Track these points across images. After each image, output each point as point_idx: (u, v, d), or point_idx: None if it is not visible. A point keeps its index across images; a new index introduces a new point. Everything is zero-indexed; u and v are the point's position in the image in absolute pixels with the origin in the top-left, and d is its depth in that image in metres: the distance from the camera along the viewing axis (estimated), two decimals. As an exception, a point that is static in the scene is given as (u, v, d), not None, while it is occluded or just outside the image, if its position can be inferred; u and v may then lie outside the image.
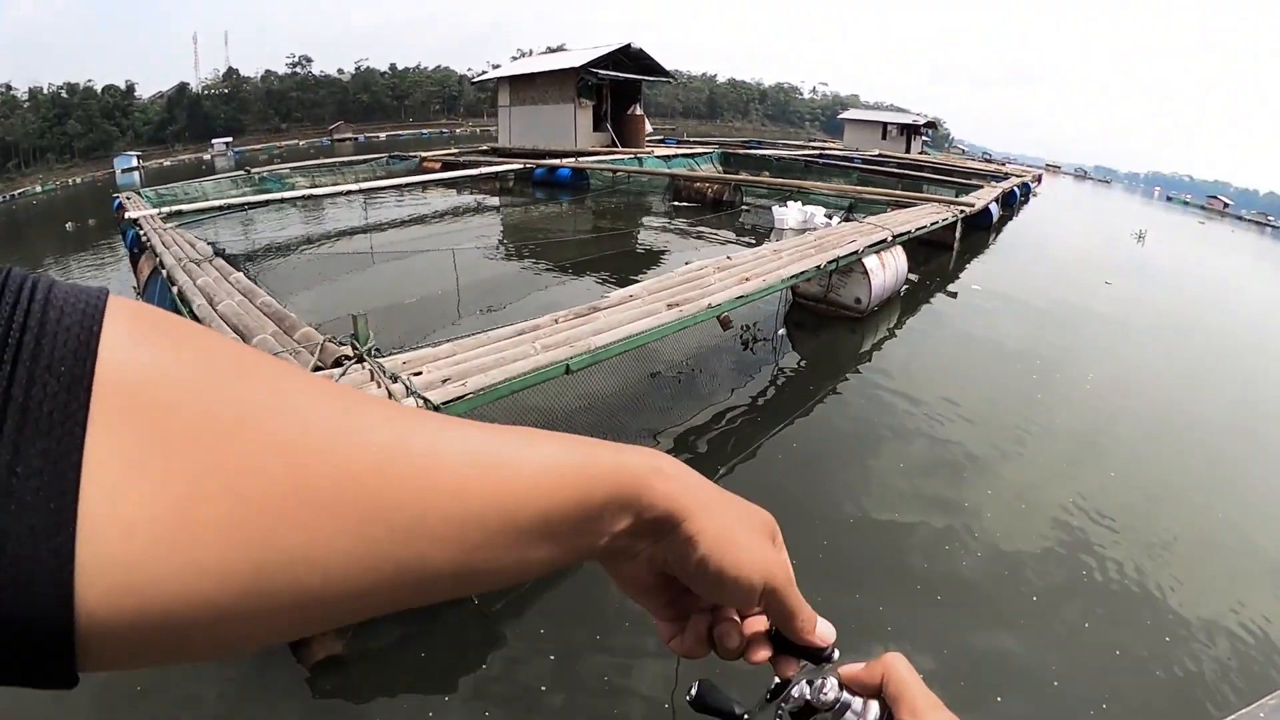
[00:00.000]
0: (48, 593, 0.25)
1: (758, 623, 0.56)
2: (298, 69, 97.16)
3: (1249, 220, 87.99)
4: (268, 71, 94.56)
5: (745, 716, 0.60)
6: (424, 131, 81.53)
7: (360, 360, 4.38)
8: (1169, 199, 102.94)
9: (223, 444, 0.30)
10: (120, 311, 0.30)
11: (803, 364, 8.92)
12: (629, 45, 30.62)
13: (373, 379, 4.17)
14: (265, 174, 19.35)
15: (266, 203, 14.58)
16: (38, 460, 0.26)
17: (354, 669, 3.76)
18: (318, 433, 0.33)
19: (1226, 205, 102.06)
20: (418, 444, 0.36)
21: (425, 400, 3.93)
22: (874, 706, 0.56)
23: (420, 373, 4.32)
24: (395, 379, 4.10)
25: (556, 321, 5.45)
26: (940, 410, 7.79)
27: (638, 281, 7.16)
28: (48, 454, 0.26)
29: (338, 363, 4.38)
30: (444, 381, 4.21)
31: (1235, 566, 5.58)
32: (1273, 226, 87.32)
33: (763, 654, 0.55)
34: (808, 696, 0.56)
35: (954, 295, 13.67)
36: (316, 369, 4.27)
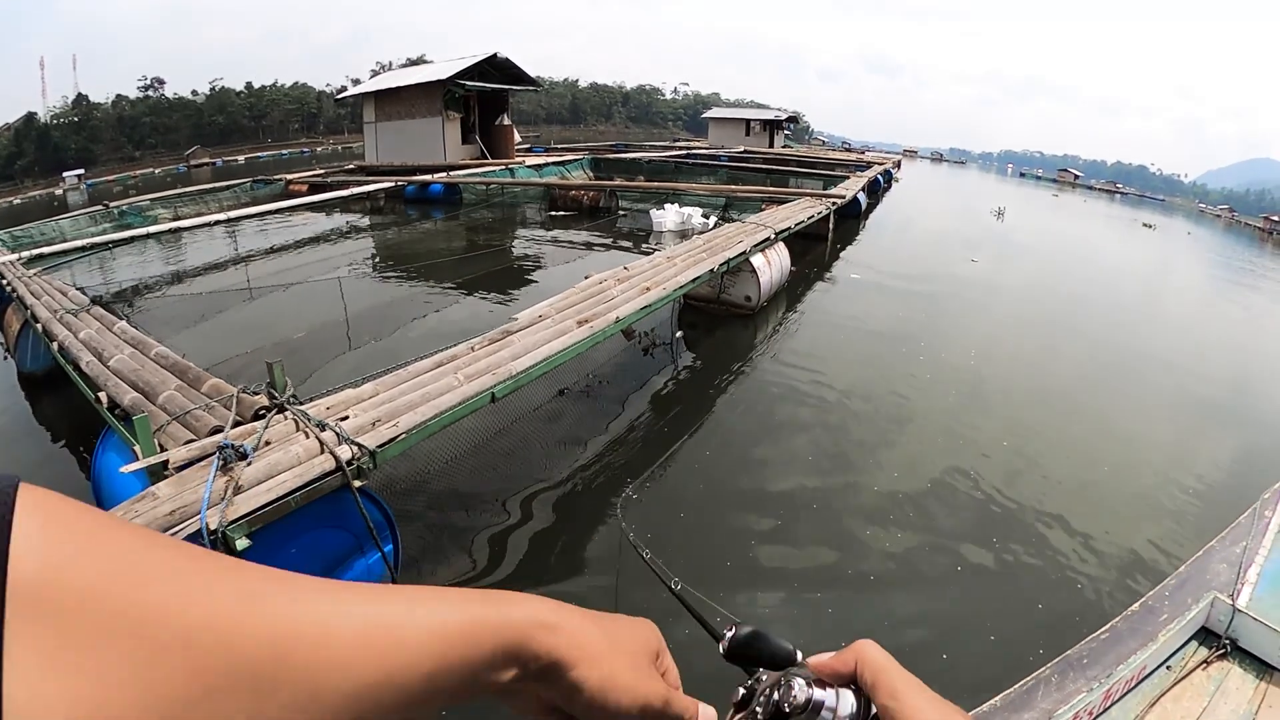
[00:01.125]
0: None
1: None
2: (150, 92, 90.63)
3: (1099, 189, 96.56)
4: (119, 96, 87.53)
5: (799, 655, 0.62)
6: (284, 152, 77.60)
7: (281, 410, 4.31)
8: (1022, 175, 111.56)
9: (129, 639, 0.33)
10: (30, 507, 0.34)
11: (704, 363, 9.29)
12: (495, 55, 30.19)
13: (299, 429, 4.12)
14: (125, 208, 18.00)
15: (132, 239, 13.62)
16: None
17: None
18: (217, 622, 0.36)
19: (1077, 177, 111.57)
20: (310, 620, 0.40)
21: (360, 446, 3.93)
22: (847, 696, 0.57)
23: (347, 417, 4.29)
24: (323, 427, 4.06)
25: (473, 349, 5.49)
26: (835, 393, 8.38)
27: (522, 292, 7.23)
28: None
29: (257, 415, 4.29)
30: (374, 424, 4.21)
31: (1093, 487, 6.45)
32: (1121, 193, 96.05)
33: None
34: (775, 700, 0.57)
35: (833, 283, 14.43)
36: (236, 424, 4.18)
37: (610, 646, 0.53)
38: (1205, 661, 3.11)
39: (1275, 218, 71.67)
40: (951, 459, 6.91)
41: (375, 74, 61.58)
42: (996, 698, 2.76)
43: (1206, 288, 23.65)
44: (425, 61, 57.93)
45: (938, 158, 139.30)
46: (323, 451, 3.89)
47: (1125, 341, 12.58)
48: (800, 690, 0.56)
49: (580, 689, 0.50)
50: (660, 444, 6.87)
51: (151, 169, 65.58)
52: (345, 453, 3.88)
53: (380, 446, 4.03)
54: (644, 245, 16.47)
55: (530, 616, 0.49)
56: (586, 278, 8.03)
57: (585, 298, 7.23)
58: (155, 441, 4.01)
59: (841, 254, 17.66)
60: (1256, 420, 9.41)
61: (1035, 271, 19.11)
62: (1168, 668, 3.08)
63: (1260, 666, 3.06)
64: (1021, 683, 2.85)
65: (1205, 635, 3.22)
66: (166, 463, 3.79)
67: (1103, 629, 3.16)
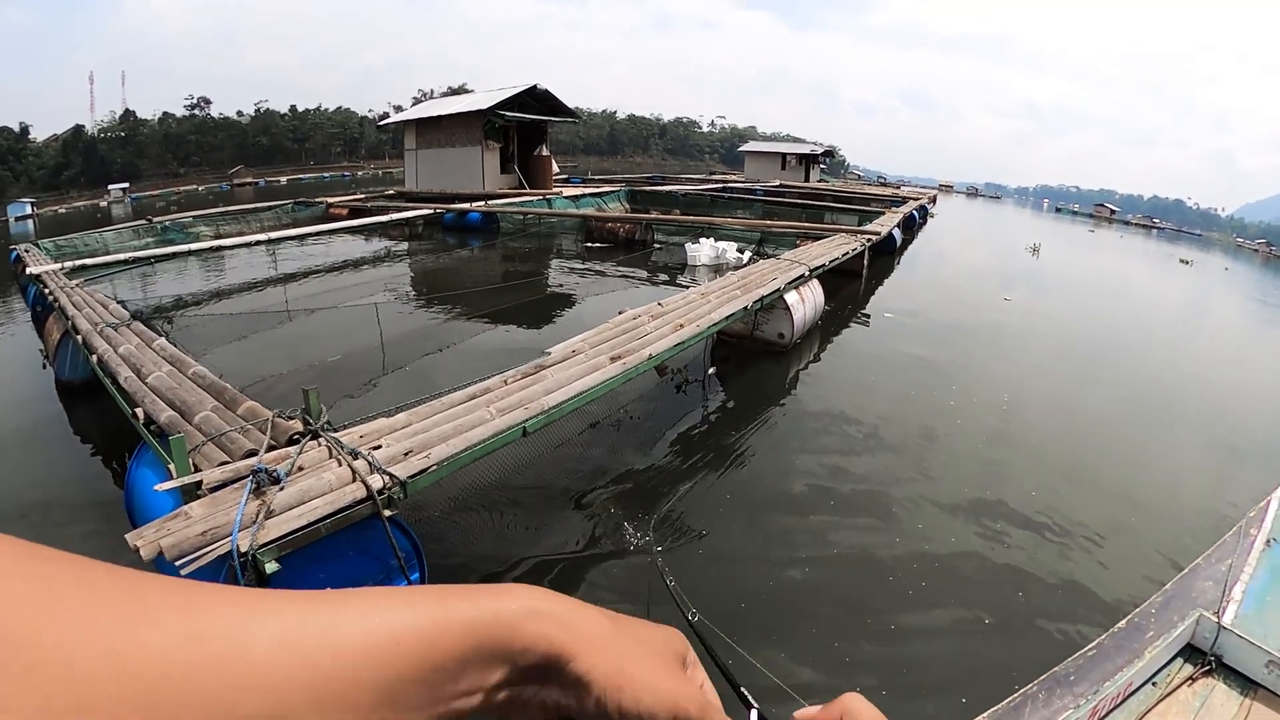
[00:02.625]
0: None
1: None
2: (196, 111, 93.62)
3: (1136, 224, 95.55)
4: (165, 113, 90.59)
5: None
6: (326, 175, 79.31)
7: (315, 436, 4.32)
8: (1058, 210, 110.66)
9: None
10: None
11: (735, 400, 9.19)
12: (535, 86, 30.68)
13: (331, 456, 4.12)
14: (168, 223, 18.51)
15: (174, 255, 13.95)
16: None
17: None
18: (96, 645, 0.30)
19: (1114, 212, 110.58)
20: (217, 636, 0.33)
21: (391, 476, 3.92)
22: None
23: (380, 446, 4.29)
24: (356, 455, 4.07)
25: (506, 383, 5.49)
26: (864, 435, 8.24)
27: (556, 323, 7.21)
28: None
29: (292, 441, 4.31)
30: (406, 454, 4.20)
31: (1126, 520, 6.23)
32: (1158, 228, 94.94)
33: None
34: None
35: (866, 321, 14.30)
36: (271, 448, 4.20)
37: (618, 635, 0.45)
38: (1190, 678, 3.19)
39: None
40: (981, 508, 6.72)
41: (417, 101, 62.92)
42: (983, 715, 2.78)
43: (1244, 326, 23.11)
44: (466, 90, 59.07)
45: (973, 192, 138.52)
46: (354, 480, 3.89)
47: (1158, 390, 12.19)
48: None
49: (588, 684, 0.43)
50: (688, 481, 6.79)
51: (195, 186, 67.42)
52: (377, 482, 3.88)
53: (411, 477, 4.02)
54: (679, 279, 16.53)
55: (514, 606, 0.42)
56: (620, 313, 8.02)
57: (619, 333, 7.22)
58: (190, 461, 4.04)
59: (875, 291, 17.54)
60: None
61: (1070, 310, 18.85)
62: (1153, 684, 3.15)
63: (1244, 683, 3.13)
64: (1009, 699, 2.90)
65: (1191, 652, 3.30)
66: (200, 483, 3.81)
67: (1089, 646, 3.22)
